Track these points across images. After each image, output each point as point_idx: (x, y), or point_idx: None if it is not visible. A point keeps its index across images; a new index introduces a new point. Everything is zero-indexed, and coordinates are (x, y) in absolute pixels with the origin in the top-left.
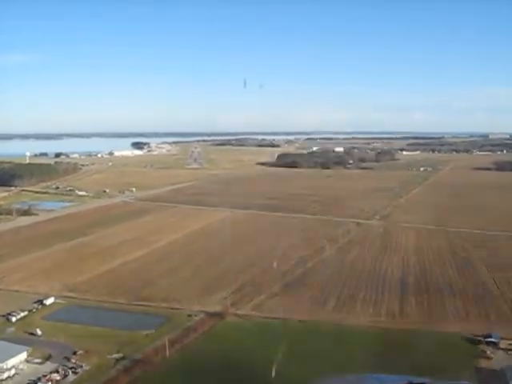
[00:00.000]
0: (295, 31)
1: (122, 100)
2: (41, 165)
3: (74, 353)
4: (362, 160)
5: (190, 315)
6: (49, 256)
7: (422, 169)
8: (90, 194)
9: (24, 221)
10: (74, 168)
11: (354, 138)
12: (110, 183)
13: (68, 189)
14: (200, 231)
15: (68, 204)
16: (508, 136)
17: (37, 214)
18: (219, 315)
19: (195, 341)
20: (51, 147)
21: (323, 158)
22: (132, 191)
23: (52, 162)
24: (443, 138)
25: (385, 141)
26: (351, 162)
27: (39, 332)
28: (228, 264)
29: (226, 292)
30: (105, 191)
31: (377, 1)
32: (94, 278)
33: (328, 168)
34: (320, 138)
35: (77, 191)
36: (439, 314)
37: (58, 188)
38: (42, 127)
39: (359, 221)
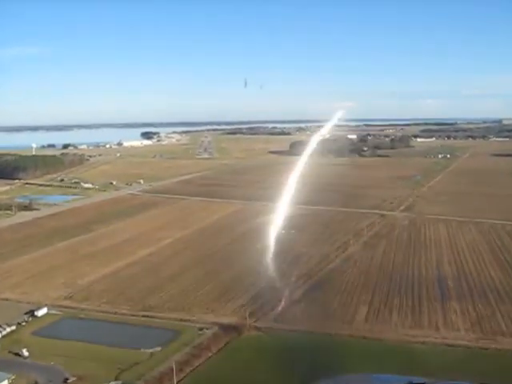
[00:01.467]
0: (301, 20)
1: (131, 90)
2: (45, 156)
3: (65, 380)
4: (377, 147)
5: (201, 329)
6: (47, 256)
7: (440, 156)
8: (96, 187)
9: (24, 216)
10: (80, 159)
11: (365, 125)
12: (118, 174)
13: (73, 181)
14: (212, 226)
15: (72, 197)
16: None
17: (38, 209)
18: (235, 328)
19: (208, 362)
20: (61, 138)
21: (337, 146)
22: (140, 183)
23: (59, 153)
24: (456, 124)
25: (397, 127)
26: (366, 149)
27: (26, 353)
28: (244, 264)
29: (242, 299)
30: (111, 183)
31: None
32: (94, 282)
33: (342, 156)
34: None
35: (82, 183)
36: (491, 326)
37: (62, 180)
38: (52, 119)
39: (382, 212)
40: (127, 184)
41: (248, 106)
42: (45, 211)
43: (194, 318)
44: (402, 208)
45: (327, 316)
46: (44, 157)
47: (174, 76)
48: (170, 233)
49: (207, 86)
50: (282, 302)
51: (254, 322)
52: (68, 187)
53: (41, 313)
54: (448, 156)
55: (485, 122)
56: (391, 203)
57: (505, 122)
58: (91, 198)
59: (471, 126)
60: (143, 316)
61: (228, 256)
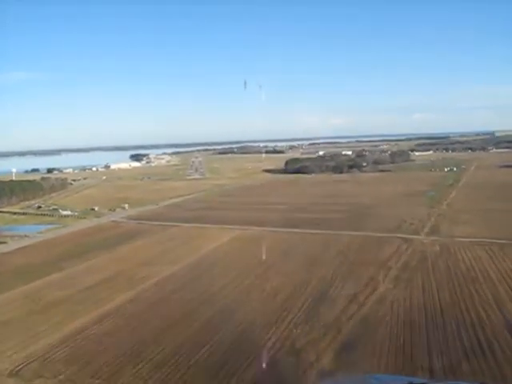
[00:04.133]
0: (291, 35)
1: (121, 113)
2: (22, 182)
3: None
4: (377, 162)
5: None
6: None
7: (446, 169)
8: (76, 214)
9: None
10: (62, 184)
11: (358, 141)
12: (101, 199)
13: (52, 208)
14: (207, 259)
15: (46, 227)
16: None
17: (5, 242)
18: None
19: None
20: (48, 163)
21: (335, 162)
22: (124, 208)
23: (40, 177)
24: (449, 137)
25: (391, 143)
26: (365, 164)
27: None
28: (248, 314)
29: (251, 371)
30: (93, 209)
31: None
32: (52, 346)
33: (341, 172)
34: (323, 143)
35: (61, 210)
36: None
37: (40, 207)
38: (40, 144)
39: (405, 236)
40: (110, 210)
41: (240, 123)
42: (12, 245)
43: None
44: (426, 230)
45: None
46: (21, 182)
47: (165, 97)
48: (156, 269)
49: (198, 105)
50: (309, 372)
51: None
52: (44, 215)
53: None
54: (455, 169)
55: (477, 135)
56: (412, 224)
57: (497, 134)
58: (68, 227)
59: (466, 139)
60: None
61: (227, 302)
